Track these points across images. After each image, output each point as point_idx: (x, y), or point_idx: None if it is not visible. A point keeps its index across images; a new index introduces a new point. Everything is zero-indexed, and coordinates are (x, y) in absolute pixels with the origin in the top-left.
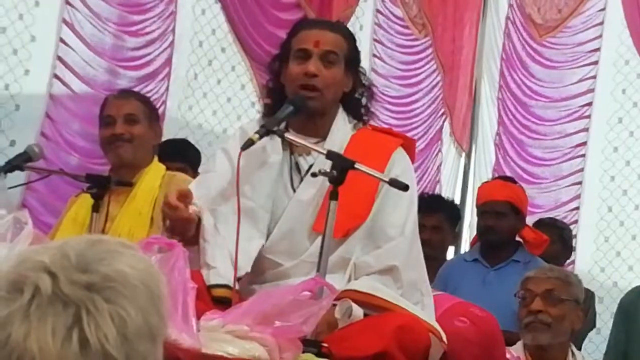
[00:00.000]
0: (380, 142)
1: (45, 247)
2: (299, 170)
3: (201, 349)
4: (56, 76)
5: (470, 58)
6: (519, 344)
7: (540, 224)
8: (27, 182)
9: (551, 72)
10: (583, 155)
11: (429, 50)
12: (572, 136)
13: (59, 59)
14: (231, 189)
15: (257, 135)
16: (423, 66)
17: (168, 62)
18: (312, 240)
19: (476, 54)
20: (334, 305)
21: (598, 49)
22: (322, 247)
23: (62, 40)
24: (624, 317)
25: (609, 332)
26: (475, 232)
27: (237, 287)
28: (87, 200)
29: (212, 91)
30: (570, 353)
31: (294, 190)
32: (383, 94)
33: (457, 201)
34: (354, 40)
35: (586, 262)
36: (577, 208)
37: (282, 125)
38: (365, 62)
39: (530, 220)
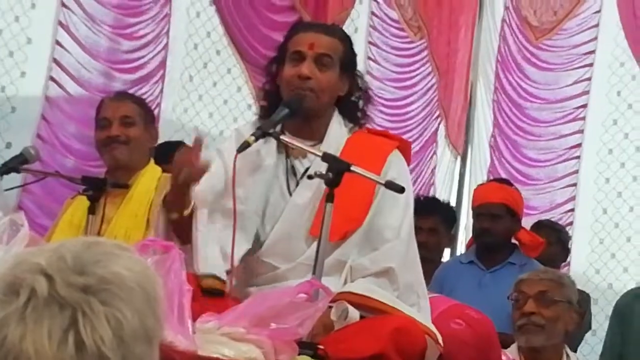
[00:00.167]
0: (376, 145)
1: (41, 250)
2: (294, 173)
3: (197, 351)
4: (52, 78)
5: (466, 61)
6: (514, 347)
7: (539, 226)
8: (23, 185)
9: (546, 74)
10: (578, 157)
11: (424, 53)
12: (567, 138)
13: (55, 61)
14: (223, 190)
15: (253, 138)
16: (418, 69)
17: (162, 64)
18: (308, 244)
19: (472, 57)
20: (330, 307)
21: (593, 51)
22: (318, 250)
23: (58, 43)
24: (619, 320)
25: (605, 334)
26: (471, 235)
27: (227, 277)
28: (83, 202)
29: (207, 93)
30: (564, 355)
31: (290, 194)
32: (378, 96)
33: (453, 203)
34: (351, 43)
35: (581, 263)
36: (572, 210)
37: (278, 128)
38: (360, 65)
39: (525, 221)
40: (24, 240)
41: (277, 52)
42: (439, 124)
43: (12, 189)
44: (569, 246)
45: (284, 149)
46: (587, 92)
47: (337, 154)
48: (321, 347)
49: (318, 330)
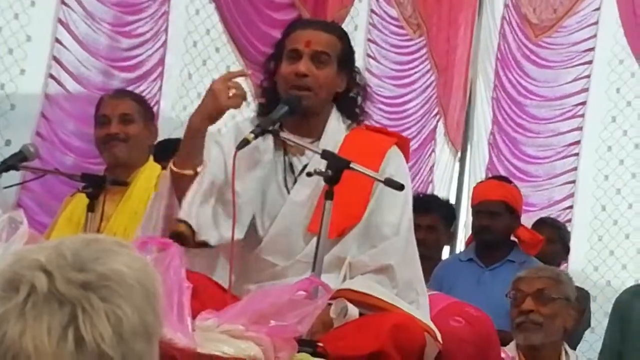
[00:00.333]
0: (374, 141)
1: (41, 246)
2: (292, 170)
3: (196, 348)
4: (51, 76)
5: (465, 58)
6: (512, 344)
7: (540, 223)
8: (23, 182)
9: (546, 71)
10: (577, 154)
11: (424, 50)
12: (566, 135)
13: (55, 58)
14: (221, 182)
15: (252, 135)
16: (417, 66)
17: (161, 62)
18: (307, 241)
19: (471, 54)
20: (329, 304)
21: (592, 49)
22: (317, 247)
23: (57, 40)
24: (619, 317)
25: (603, 332)
26: (470, 232)
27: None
28: (82, 199)
29: None
30: (563, 352)
31: (288, 191)
32: (377, 94)
33: (452, 201)
34: (349, 40)
35: (580, 261)
36: (571, 207)
37: (277, 125)
38: (359, 62)
39: (523, 218)
40: (24, 238)
41: (274, 49)
42: (438, 121)
43: (11, 186)
44: (569, 244)
45: (282, 146)
46: (586, 90)
47: (336, 151)
48: (320, 344)
49: (317, 328)
